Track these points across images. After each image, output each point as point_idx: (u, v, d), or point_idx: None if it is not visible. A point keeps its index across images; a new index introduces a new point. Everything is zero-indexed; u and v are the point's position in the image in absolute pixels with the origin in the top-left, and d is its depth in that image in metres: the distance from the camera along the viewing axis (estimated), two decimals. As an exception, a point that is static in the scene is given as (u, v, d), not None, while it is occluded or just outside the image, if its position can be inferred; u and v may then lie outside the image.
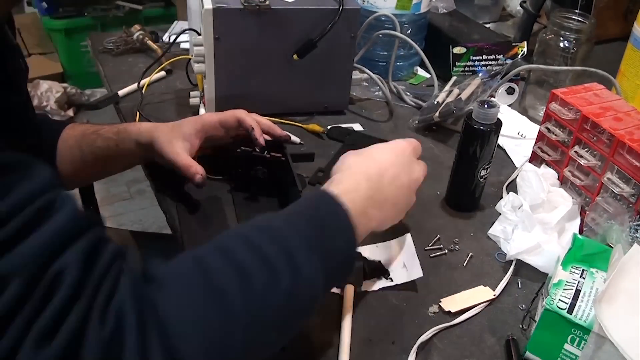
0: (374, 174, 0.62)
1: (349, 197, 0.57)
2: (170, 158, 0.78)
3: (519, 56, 1.18)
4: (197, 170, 0.77)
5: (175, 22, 1.40)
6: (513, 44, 1.19)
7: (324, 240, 0.54)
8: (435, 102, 1.06)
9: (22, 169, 0.42)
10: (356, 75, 1.12)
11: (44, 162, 0.44)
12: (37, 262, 0.39)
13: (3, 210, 0.39)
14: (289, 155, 0.82)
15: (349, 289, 0.69)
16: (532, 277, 0.75)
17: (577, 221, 0.80)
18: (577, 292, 0.61)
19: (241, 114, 0.83)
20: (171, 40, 1.17)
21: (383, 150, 0.66)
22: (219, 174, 0.87)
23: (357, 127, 1.05)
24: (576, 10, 1.13)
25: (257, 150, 0.81)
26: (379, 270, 0.74)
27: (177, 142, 0.79)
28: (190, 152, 0.80)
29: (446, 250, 0.78)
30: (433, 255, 0.78)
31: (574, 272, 0.63)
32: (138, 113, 1.01)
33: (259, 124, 0.83)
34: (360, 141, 1.00)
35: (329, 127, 1.03)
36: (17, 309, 0.37)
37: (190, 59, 1.12)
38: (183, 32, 1.15)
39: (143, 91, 1.07)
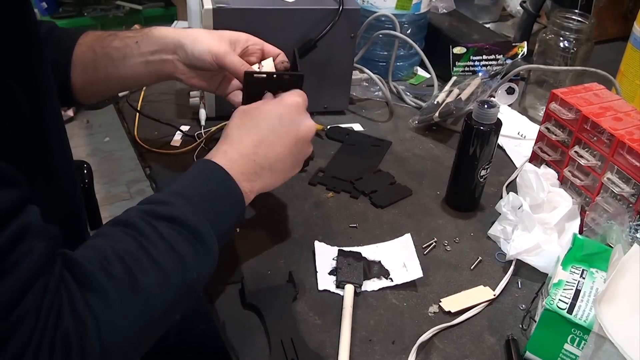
0: (250, 144, 0.65)
1: (229, 165, 0.62)
2: (219, 54, 0.73)
3: (519, 56, 1.18)
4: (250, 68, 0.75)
5: (175, 22, 1.40)
6: (513, 44, 1.19)
7: (219, 213, 0.60)
8: (435, 102, 1.07)
9: None
10: (356, 75, 1.12)
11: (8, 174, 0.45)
12: (3, 310, 0.41)
13: None
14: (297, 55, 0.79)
15: (349, 289, 0.69)
16: (532, 277, 0.75)
17: (577, 221, 0.80)
18: (577, 292, 0.61)
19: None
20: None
21: (268, 113, 0.67)
22: None
23: (357, 127, 1.05)
24: (576, 10, 1.13)
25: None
26: (379, 270, 0.74)
27: (222, 42, 0.75)
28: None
29: (446, 250, 0.78)
30: (426, 252, 0.78)
31: (574, 272, 0.63)
32: (137, 114, 1.01)
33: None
34: (360, 141, 1.01)
35: (328, 126, 1.03)
36: None
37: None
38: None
39: (143, 91, 1.07)
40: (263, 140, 0.65)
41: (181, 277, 0.53)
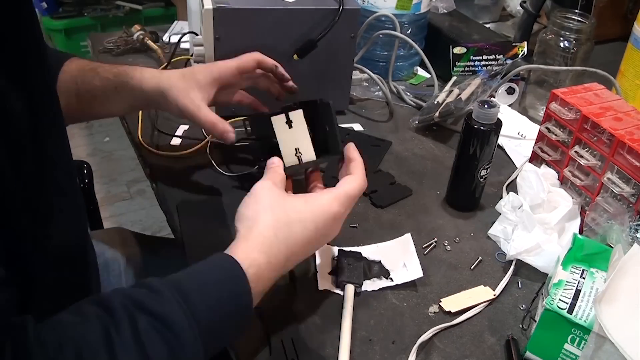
0: (283, 257, 0.58)
1: (256, 279, 0.55)
2: (190, 111, 0.72)
3: (519, 56, 1.18)
4: (226, 127, 0.73)
5: (175, 22, 1.40)
6: (513, 44, 1.19)
7: (219, 322, 0.52)
8: (435, 102, 1.07)
9: None
10: (356, 75, 1.12)
11: None
12: None
13: None
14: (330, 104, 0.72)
15: (349, 289, 0.69)
16: (532, 277, 0.75)
17: (577, 221, 0.80)
18: (577, 292, 0.61)
19: (259, 55, 0.79)
20: (172, 42, 1.16)
21: (305, 221, 0.60)
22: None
23: (357, 127, 1.05)
24: (576, 10, 1.13)
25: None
26: (379, 270, 0.74)
27: (194, 93, 0.73)
28: (207, 103, 0.75)
29: (446, 250, 0.78)
30: (426, 252, 0.78)
31: (574, 272, 0.63)
32: (140, 113, 1.00)
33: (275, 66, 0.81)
34: (360, 141, 1.00)
35: (329, 127, 1.03)
36: None
37: (189, 59, 1.11)
38: (184, 35, 1.14)
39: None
40: (295, 253, 0.60)
41: None
